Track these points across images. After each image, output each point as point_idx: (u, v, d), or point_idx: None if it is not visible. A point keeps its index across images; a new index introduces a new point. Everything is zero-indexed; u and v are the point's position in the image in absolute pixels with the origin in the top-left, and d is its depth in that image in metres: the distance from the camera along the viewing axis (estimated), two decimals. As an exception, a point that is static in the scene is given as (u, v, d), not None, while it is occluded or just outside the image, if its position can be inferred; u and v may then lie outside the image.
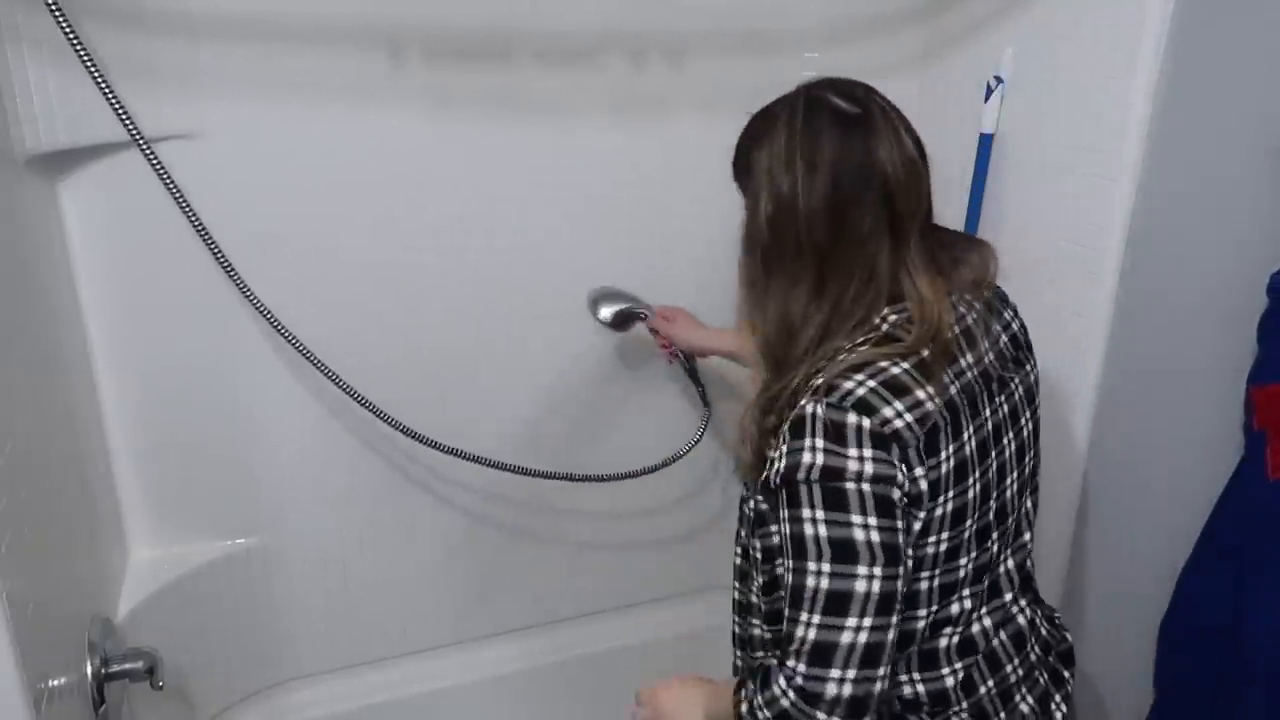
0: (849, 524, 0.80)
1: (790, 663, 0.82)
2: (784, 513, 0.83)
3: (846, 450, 0.80)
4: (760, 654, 1.04)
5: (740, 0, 1.50)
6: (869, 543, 0.80)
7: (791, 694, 0.81)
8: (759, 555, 0.99)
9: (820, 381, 0.84)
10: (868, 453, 0.80)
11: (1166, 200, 1.12)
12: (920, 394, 0.83)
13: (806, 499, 0.81)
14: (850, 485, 0.80)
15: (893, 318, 0.87)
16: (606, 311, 1.53)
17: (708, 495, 1.84)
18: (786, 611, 0.84)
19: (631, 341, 1.64)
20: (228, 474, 1.49)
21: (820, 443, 0.80)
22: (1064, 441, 1.27)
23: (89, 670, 1.11)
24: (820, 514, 0.81)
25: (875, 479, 0.80)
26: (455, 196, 1.47)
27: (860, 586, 0.80)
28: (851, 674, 0.80)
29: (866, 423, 0.81)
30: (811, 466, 0.80)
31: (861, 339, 0.87)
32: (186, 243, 1.35)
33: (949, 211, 1.41)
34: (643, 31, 1.46)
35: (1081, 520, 1.28)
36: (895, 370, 0.84)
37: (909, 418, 0.82)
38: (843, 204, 0.85)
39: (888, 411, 0.81)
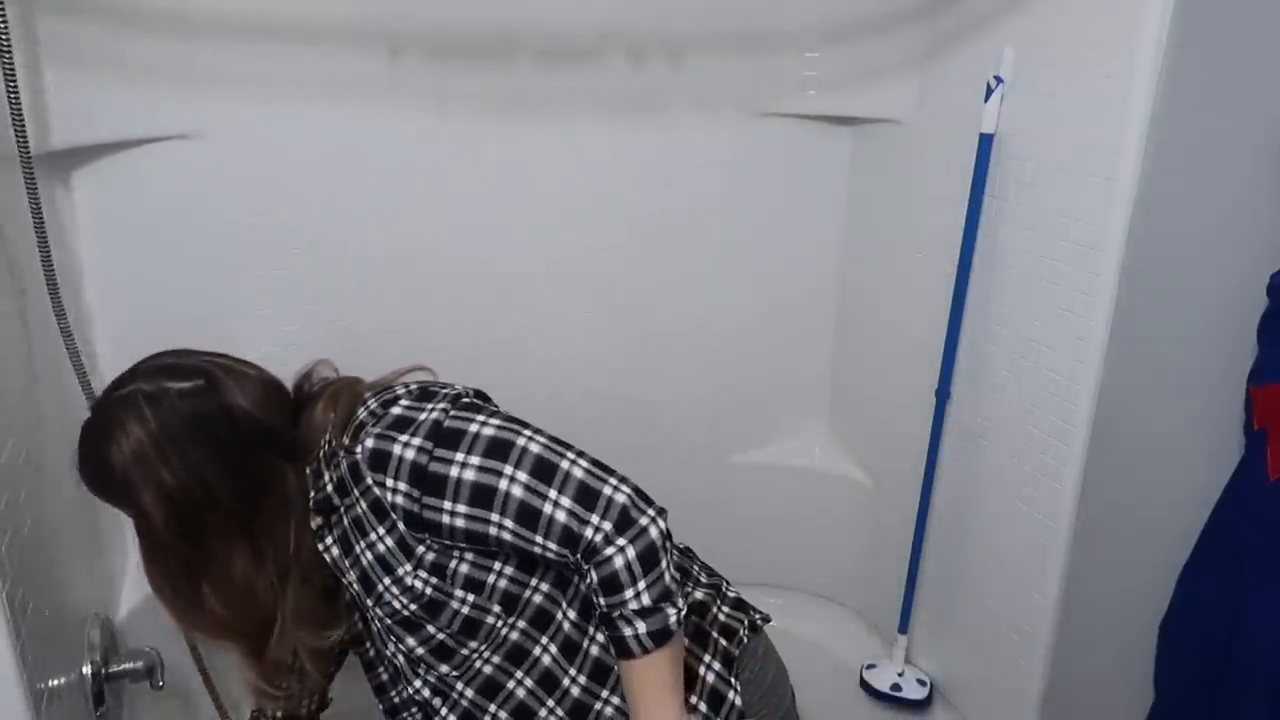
0: (476, 418, 0.92)
1: (588, 532, 0.86)
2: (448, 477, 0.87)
3: (425, 406, 0.92)
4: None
5: (740, 0, 1.50)
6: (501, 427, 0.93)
7: (623, 541, 0.86)
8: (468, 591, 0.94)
9: (343, 443, 0.90)
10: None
11: (1166, 200, 1.12)
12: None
13: (462, 448, 0.88)
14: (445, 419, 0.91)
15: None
16: None
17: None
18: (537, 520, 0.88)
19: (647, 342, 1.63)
20: (228, 474, 1.49)
21: (408, 438, 0.88)
22: (1064, 441, 1.27)
23: (89, 670, 1.11)
24: (474, 457, 0.88)
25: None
26: (454, 195, 1.47)
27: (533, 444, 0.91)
28: (616, 479, 0.89)
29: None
30: (418, 447, 0.88)
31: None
32: (188, 241, 1.35)
33: (950, 213, 1.41)
34: (642, 31, 1.46)
35: (1081, 520, 1.28)
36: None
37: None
38: (234, 463, 0.87)
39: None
